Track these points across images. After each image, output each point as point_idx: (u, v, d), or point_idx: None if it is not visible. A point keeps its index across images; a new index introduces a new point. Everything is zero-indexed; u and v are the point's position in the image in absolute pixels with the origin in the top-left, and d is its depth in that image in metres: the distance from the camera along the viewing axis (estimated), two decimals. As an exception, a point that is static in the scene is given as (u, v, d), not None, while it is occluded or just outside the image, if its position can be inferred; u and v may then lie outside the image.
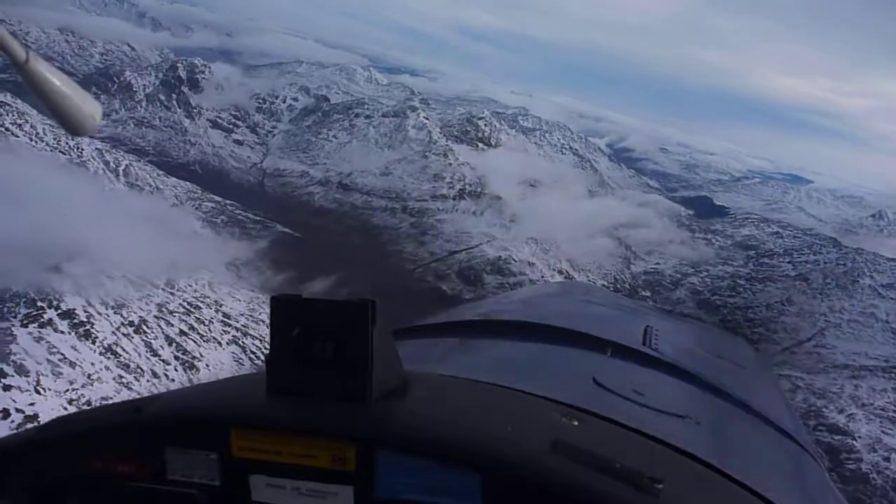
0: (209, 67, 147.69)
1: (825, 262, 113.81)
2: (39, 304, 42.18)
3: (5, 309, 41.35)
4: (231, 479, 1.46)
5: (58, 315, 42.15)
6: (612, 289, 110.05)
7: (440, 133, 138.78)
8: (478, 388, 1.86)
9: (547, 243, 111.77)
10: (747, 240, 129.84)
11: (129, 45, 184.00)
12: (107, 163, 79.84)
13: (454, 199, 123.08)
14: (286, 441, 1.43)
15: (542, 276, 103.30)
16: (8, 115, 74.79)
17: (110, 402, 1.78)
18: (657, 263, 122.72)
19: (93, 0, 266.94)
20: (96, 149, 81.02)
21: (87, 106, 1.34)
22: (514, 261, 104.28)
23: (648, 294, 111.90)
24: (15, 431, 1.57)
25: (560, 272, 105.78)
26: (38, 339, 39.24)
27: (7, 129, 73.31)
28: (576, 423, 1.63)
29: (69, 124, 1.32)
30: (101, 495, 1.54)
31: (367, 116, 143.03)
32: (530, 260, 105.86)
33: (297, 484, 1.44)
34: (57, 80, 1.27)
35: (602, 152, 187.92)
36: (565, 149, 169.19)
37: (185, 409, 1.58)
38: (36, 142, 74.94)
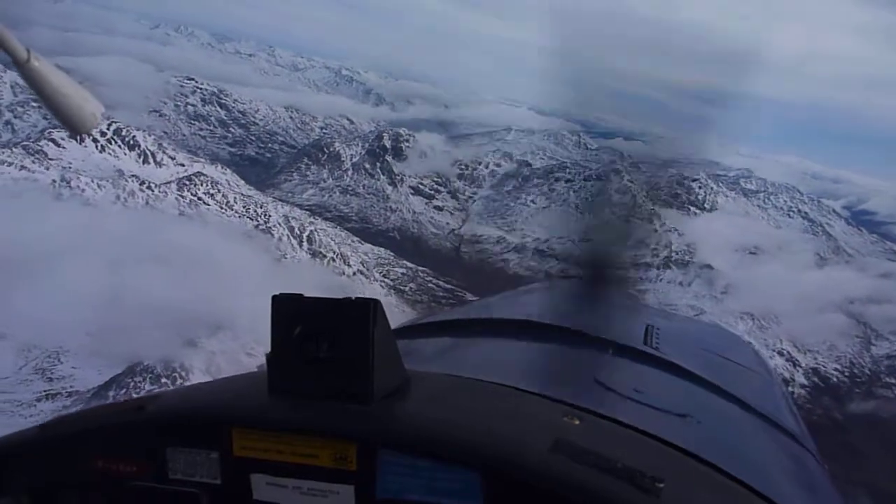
0: (413, 136, 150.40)
1: None
2: (164, 380, 40.31)
3: (132, 384, 40.03)
4: (232, 478, 1.48)
5: (179, 392, 40.07)
6: (846, 374, 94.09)
7: (646, 196, 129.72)
8: (479, 388, 1.87)
9: (766, 319, 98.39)
10: None
11: (347, 119, 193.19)
12: (291, 229, 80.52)
13: (658, 267, 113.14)
14: (287, 440, 1.44)
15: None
16: (202, 185, 77.82)
17: None
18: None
19: (326, 80, 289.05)
20: (283, 215, 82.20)
21: (89, 105, 1.35)
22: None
23: (895, 382, 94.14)
24: (16, 431, 1.63)
25: (781, 353, 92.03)
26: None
27: (200, 199, 76.10)
28: (577, 422, 1.65)
29: (70, 123, 1.33)
30: (103, 494, 1.56)
31: (568, 180, 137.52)
32: (744, 338, 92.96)
33: (298, 483, 1.45)
34: (58, 80, 1.27)
35: (838, 215, 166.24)
36: (793, 212, 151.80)
37: (187, 408, 1.60)
38: (225, 210, 77.14)
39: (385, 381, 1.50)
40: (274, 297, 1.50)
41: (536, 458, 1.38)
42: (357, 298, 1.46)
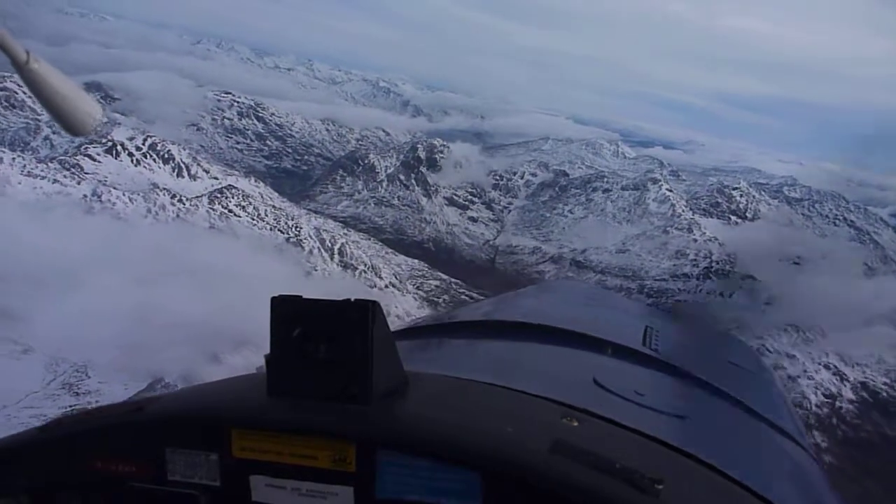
0: (448, 147, 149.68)
1: None
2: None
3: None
4: (231, 479, 1.49)
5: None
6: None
7: (685, 206, 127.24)
8: (478, 389, 1.88)
9: (811, 331, 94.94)
10: None
11: (383, 131, 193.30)
12: (322, 241, 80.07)
13: (698, 278, 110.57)
14: (286, 441, 1.45)
15: (805, 371, 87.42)
16: (234, 197, 77.80)
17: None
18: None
19: (363, 93, 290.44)
20: (315, 227, 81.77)
21: (87, 107, 1.36)
22: (769, 352, 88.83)
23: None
24: (15, 433, 1.64)
25: (827, 367, 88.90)
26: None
27: (231, 211, 76.11)
28: (576, 423, 1.65)
29: (69, 125, 1.34)
30: (102, 495, 1.56)
31: (606, 190, 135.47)
32: (789, 351, 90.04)
33: (297, 484, 1.46)
34: (57, 82, 1.28)
35: (885, 223, 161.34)
36: (839, 220, 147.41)
37: (186, 409, 1.61)
38: (257, 222, 76.98)
39: (384, 382, 1.50)
40: (273, 299, 1.49)
41: (535, 458, 1.37)
42: (356, 300, 1.45)
